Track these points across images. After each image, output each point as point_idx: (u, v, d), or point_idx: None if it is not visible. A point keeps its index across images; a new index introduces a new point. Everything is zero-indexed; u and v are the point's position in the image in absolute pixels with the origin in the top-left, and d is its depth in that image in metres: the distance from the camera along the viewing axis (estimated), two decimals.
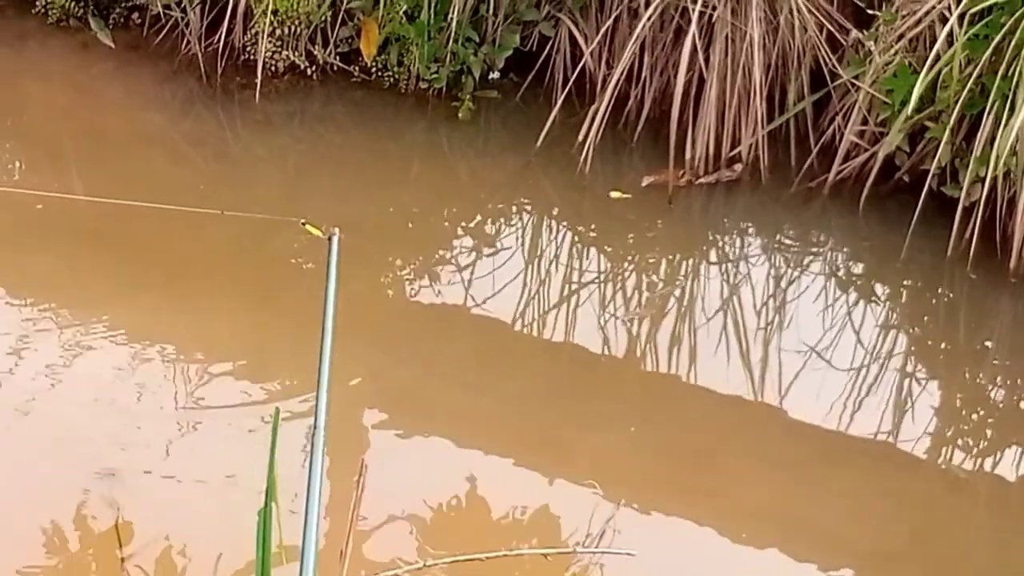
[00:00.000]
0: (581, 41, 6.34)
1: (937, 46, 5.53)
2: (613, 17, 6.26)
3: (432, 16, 6.19)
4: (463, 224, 5.83)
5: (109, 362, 4.68)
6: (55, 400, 4.50)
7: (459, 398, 4.74)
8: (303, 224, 4.99)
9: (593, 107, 5.99)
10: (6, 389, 4.51)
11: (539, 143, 6.02)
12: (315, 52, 6.38)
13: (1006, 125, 5.28)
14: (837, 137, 5.96)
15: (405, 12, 6.21)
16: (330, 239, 3.14)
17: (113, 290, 5.11)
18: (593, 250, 5.70)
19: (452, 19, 6.22)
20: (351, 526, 2.49)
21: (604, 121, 5.93)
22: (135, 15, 6.64)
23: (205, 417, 4.48)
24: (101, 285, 5.14)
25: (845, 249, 5.76)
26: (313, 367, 4.58)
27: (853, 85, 5.87)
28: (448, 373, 4.85)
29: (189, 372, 4.69)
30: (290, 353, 4.79)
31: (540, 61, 6.45)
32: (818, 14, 5.96)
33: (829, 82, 5.98)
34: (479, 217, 5.88)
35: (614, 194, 5.85)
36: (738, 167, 5.97)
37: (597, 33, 6.31)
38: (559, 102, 6.10)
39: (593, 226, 5.83)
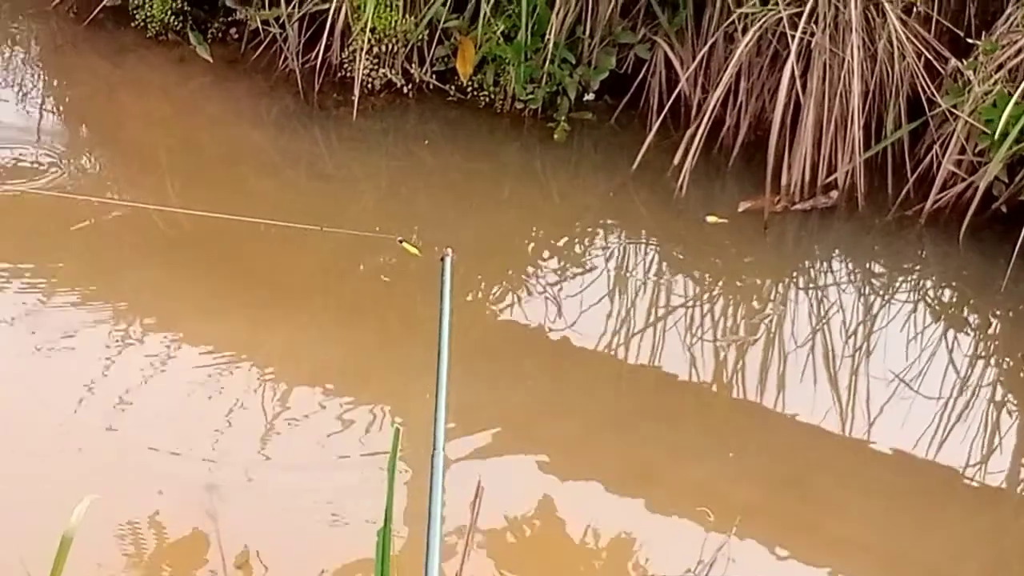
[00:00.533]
0: (677, 64, 6.32)
1: None
2: (710, 42, 6.24)
3: (529, 37, 6.20)
4: (554, 245, 5.82)
5: (203, 375, 4.71)
6: (151, 411, 4.53)
7: (547, 420, 4.73)
8: (400, 242, 5.02)
9: (689, 131, 5.97)
10: (102, 398, 4.54)
11: (634, 166, 6.00)
12: (411, 70, 6.41)
13: None
14: (934, 166, 5.90)
15: (502, 32, 6.22)
16: (443, 259, 3.14)
17: (208, 303, 5.15)
18: (685, 274, 5.67)
19: (549, 40, 6.22)
20: (467, 549, 2.48)
21: (700, 145, 5.91)
22: (233, 30, 6.70)
23: (299, 434, 4.49)
24: (196, 298, 5.17)
25: (940, 278, 5.71)
26: (405, 385, 4.66)
27: (951, 114, 5.82)
28: (535, 394, 4.84)
29: (284, 388, 4.71)
30: (384, 371, 4.80)
31: (635, 84, 6.43)
32: (916, 42, 5.92)
33: (927, 110, 5.93)
34: (570, 238, 5.87)
35: (710, 219, 5.82)
36: (834, 194, 5.93)
37: (693, 57, 6.30)
38: (655, 126, 6.08)
39: (686, 250, 5.80)
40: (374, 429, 4.52)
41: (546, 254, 5.76)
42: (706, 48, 6.24)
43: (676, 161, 5.94)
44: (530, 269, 5.60)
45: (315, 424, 4.53)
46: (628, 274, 5.65)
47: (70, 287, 5.11)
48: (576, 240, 5.87)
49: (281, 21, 6.47)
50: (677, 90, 6.27)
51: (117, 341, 4.86)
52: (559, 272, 5.60)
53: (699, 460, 4.56)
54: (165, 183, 5.99)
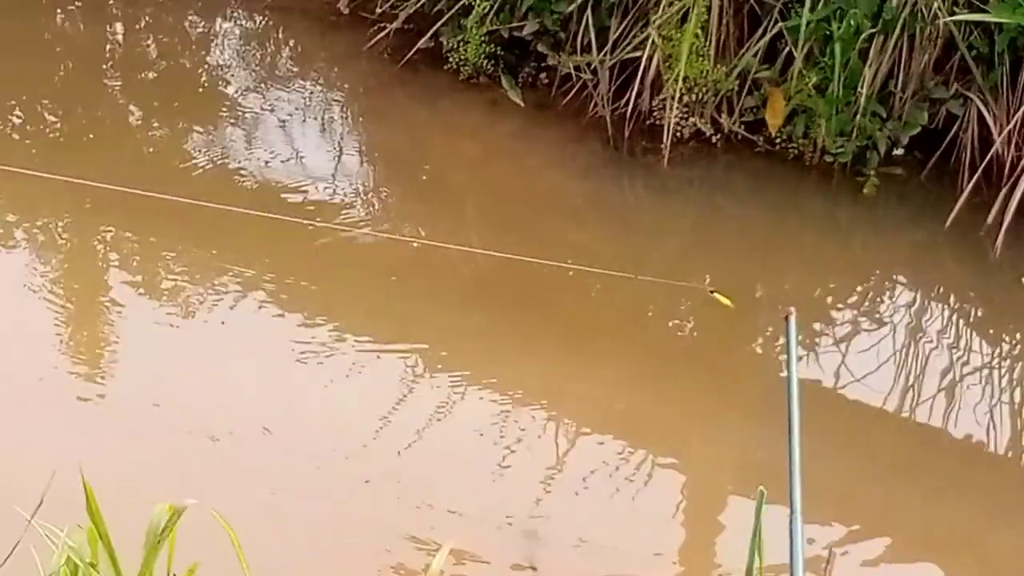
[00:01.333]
0: (991, 121, 6.17)
1: None
2: None
3: (841, 89, 6.13)
4: (854, 299, 5.73)
5: (497, 419, 4.74)
6: (437, 451, 4.59)
7: (840, 476, 4.62)
8: (711, 292, 4.97)
9: (1004, 190, 5.82)
10: (389, 437, 4.60)
11: (947, 223, 5.87)
12: (720, 120, 6.39)
13: None
14: None
15: (814, 84, 6.17)
16: (787, 319, 3.10)
17: (506, 346, 5.18)
18: (994, 335, 5.53)
19: (860, 93, 6.14)
20: None
21: (1016, 205, 5.75)
22: (543, 75, 6.77)
23: (607, 488, 4.48)
24: (493, 341, 5.22)
25: None
26: (717, 439, 4.63)
27: None
28: (823, 449, 4.74)
29: (585, 439, 4.71)
30: (691, 425, 4.77)
31: (946, 139, 6.30)
32: None
33: None
34: (873, 293, 5.78)
35: None
36: None
37: (1008, 114, 6.14)
38: (968, 185, 5.95)
39: (997, 311, 5.66)
40: (681, 483, 4.50)
41: (846, 308, 5.67)
42: None
43: (990, 220, 5.80)
44: (824, 322, 5.51)
45: (620, 477, 4.52)
46: (932, 331, 5.53)
47: (364, 324, 5.20)
48: (878, 295, 5.78)
49: (592, 67, 6.52)
50: (992, 149, 6.11)
51: (408, 380, 4.92)
52: (852, 325, 5.51)
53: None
54: (469, 225, 6.07)
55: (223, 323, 5.20)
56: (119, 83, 7.05)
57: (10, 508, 2.69)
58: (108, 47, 7.39)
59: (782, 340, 5.22)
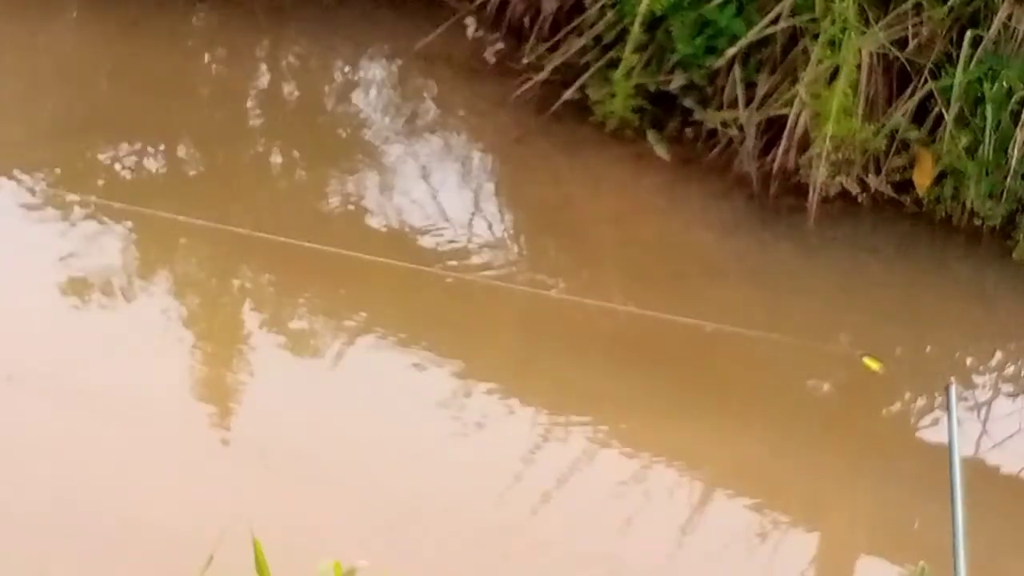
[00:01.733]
0: None
1: None
2: None
3: (992, 151, 6.03)
4: (1000, 365, 5.63)
5: (629, 479, 4.70)
6: (571, 509, 4.55)
7: (995, 551, 4.50)
8: (861, 357, 4.91)
9: None
10: (520, 492, 4.58)
11: None
12: (867, 179, 6.32)
13: None
14: None
15: (964, 146, 6.08)
16: (947, 388, 3.04)
17: (642, 405, 5.12)
18: None
19: (1012, 156, 6.04)
20: None
21: None
22: (688, 129, 6.73)
23: (743, 552, 4.42)
24: (628, 399, 5.16)
25: None
26: (867, 513, 4.55)
27: None
28: (978, 522, 4.63)
29: (722, 502, 4.66)
30: (845, 498, 4.70)
31: None
32: None
33: None
34: (1020, 359, 5.67)
35: None
36: None
37: None
38: None
39: None
40: (826, 555, 4.43)
41: (993, 374, 5.58)
42: None
43: None
44: (974, 388, 5.41)
45: (760, 546, 4.46)
46: None
47: (497, 376, 5.19)
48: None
49: (739, 123, 6.48)
50: None
51: (538, 434, 4.90)
52: (1002, 391, 5.41)
53: None
54: (609, 278, 6.04)
55: (357, 370, 5.21)
56: (261, 126, 7.12)
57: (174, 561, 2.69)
58: (252, 91, 7.47)
59: (932, 406, 5.15)
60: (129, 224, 5.76)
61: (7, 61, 7.30)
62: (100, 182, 6.19)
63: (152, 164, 6.49)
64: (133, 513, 4.25)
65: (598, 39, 6.95)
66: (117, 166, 6.37)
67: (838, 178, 6.28)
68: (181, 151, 6.63)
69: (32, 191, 5.96)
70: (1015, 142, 6.05)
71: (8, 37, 7.42)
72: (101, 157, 6.38)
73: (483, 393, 5.07)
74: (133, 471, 4.47)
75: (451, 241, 6.06)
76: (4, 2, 7.70)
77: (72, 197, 5.91)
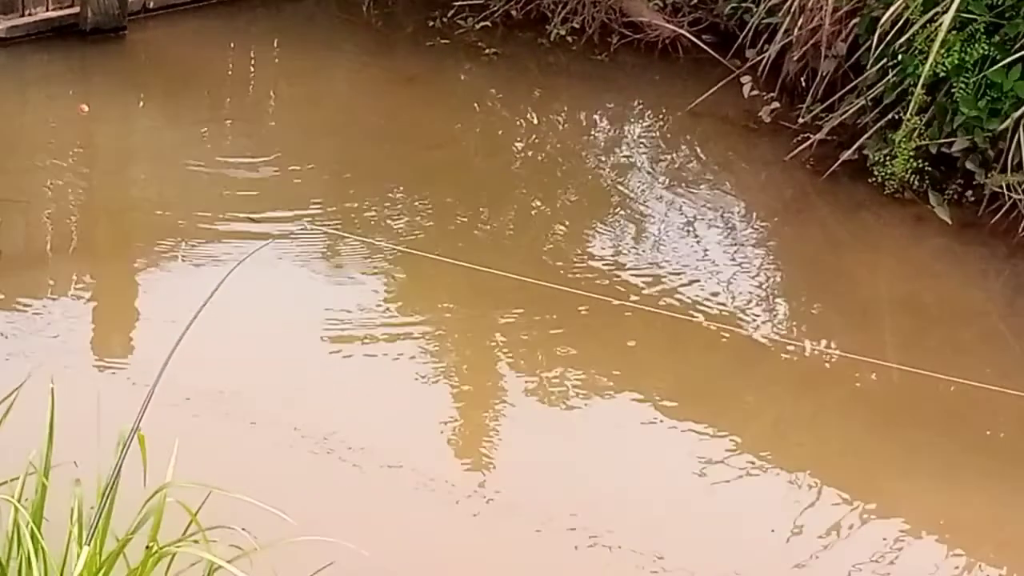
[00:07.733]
0: None
1: None
2: None
3: None
4: None
5: (882, 544, 4.64)
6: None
7: None
8: None
9: None
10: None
11: None
12: None
13: None
14: None
15: None
16: None
17: (913, 467, 5.07)
18: None
19: None
20: None
21: None
22: (969, 192, 6.64)
23: None
24: (895, 458, 5.11)
25: None
26: None
27: None
28: None
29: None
30: None
31: None
32: None
33: None
34: None
35: None
36: None
37: None
38: None
39: None
40: None
41: None
42: None
43: None
44: None
45: None
46: None
47: (771, 434, 5.23)
48: None
49: (1023, 186, 6.37)
50: None
51: (790, 506, 4.85)
52: None
53: None
54: (883, 337, 5.97)
55: (615, 423, 5.24)
56: (524, 176, 7.23)
57: None
58: (520, 147, 7.61)
59: None
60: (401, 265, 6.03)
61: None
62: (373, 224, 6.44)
63: (423, 211, 6.65)
64: None
65: (877, 100, 6.93)
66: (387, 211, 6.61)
67: None
68: (450, 200, 6.76)
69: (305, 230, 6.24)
70: None
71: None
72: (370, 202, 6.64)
73: (747, 453, 5.03)
74: None
75: (716, 294, 6.06)
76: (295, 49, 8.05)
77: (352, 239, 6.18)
